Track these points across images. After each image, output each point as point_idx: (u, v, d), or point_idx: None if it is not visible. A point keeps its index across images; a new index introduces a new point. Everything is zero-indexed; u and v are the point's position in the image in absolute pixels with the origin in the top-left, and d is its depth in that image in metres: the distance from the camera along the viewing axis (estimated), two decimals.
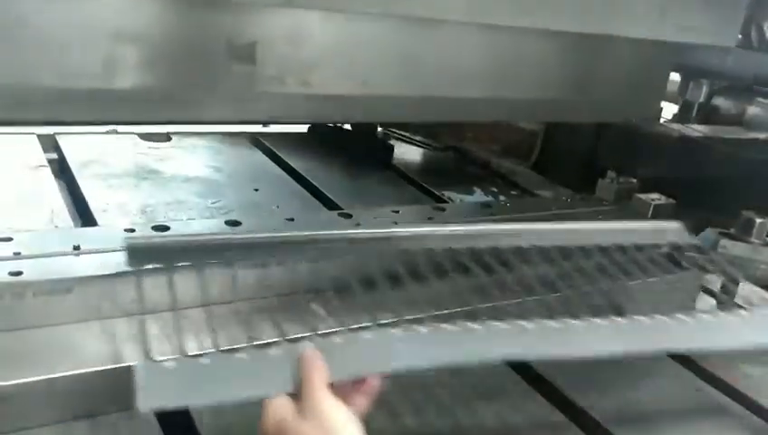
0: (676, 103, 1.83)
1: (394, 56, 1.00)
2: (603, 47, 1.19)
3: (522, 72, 1.11)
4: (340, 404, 0.62)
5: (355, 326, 0.87)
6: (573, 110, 1.24)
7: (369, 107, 1.02)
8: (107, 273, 0.81)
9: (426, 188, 1.52)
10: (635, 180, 1.37)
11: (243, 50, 0.87)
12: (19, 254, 0.82)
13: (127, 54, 0.82)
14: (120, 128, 1.55)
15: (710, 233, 1.21)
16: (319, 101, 0.97)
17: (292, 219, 1.04)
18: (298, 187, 1.39)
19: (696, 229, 1.24)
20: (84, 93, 0.81)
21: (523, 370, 0.95)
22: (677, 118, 1.79)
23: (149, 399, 0.60)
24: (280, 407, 0.63)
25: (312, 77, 0.95)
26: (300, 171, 1.47)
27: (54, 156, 1.38)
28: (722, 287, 1.27)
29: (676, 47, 1.24)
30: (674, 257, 1.23)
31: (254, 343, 0.72)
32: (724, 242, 1.19)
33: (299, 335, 0.74)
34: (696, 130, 1.54)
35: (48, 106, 0.80)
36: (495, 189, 1.57)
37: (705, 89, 1.69)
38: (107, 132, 1.53)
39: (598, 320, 0.80)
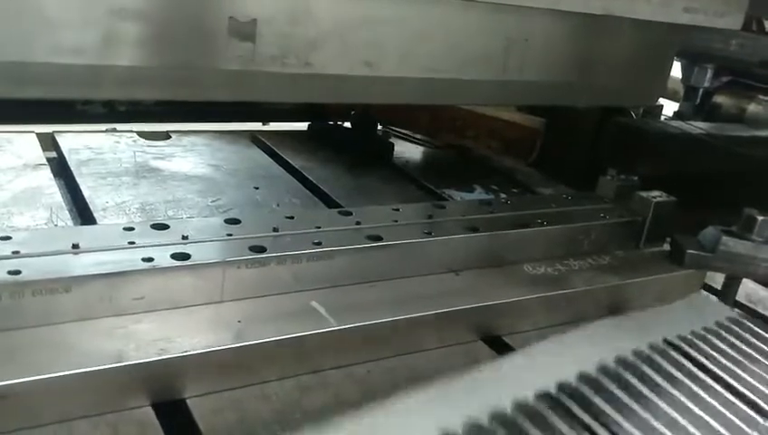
0: (676, 101, 1.83)
1: (397, 36, 0.99)
2: (607, 29, 1.17)
3: (525, 54, 1.10)
4: None
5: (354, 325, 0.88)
6: (575, 93, 1.22)
7: (371, 88, 1.01)
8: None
9: (426, 186, 1.52)
10: (636, 178, 1.37)
11: (243, 27, 0.87)
12: (18, 253, 0.81)
13: (125, 31, 0.81)
14: (120, 126, 1.55)
15: (711, 230, 1.21)
16: (320, 81, 0.95)
17: (292, 217, 1.04)
18: (298, 185, 1.39)
19: (697, 227, 1.24)
20: (82, 70, 0.80)
21: None
22: (681, 103, 1.78)
23: None
24: None
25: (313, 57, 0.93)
26: (300, 169, 1.47)
27: (53, 154, 1.37)
28: (724, 285, 1.27)
29: (680, 30, 1.22)
30: (675, 256, 1.23)
31: None
32: (725, 239, 1.18)
33: None
34: (698, 127, 1.54)
35: (46, 83, 0.79)
36: (496, 187, 1.57)
37: (709, 74, 1.68)
38: (106, 131, 1.53)
39: None
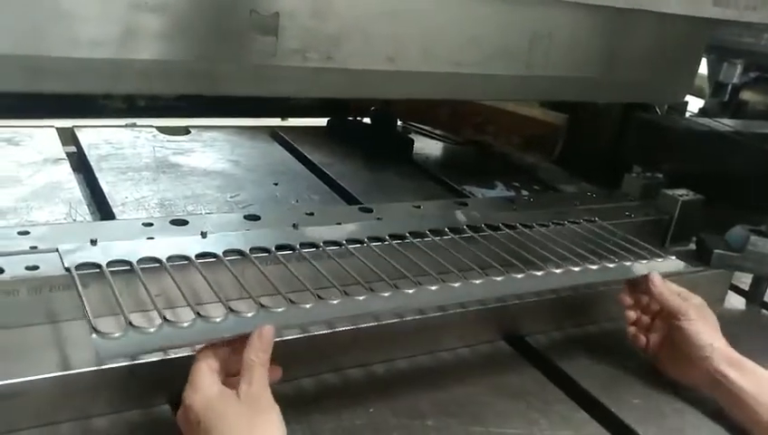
0: (701, 97, 1.80)
1: (420, 31, 0.98)
2: (634, 24, 1.15)
3: (549, 48, 1.08)
4: (269, 389, 0.64)
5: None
6: (600, 89, 1.20)
7: (393, 83, 1.00)
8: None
9: (446, 182, 1.50)
10: (661, 175, 1.34)
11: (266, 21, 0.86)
12: (36, 248, 0.81)
13: (145, 24, 0.80)
14: (139, 121, 1.55)
15: (739, 230, 1.18)
16: (341, 75, 0.94)
17: (312, 214, 1.03)
18: (318, 181, 1.38)
19: (725, 226, 1.22)
20: (103, 64, 0.80)
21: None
22: (707, 99, 1.75)
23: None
24: (210, 384, 0.64)
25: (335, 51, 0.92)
26: (319, 165, 1.46)
27: (73, 149, 1.37)
28: (751, 285, 1.25)
29: (709, 25, 1.20)
30: (702, 255, 1.20)
31: None
32: (754, 239, 1.15)
33: None
34: (724, 123, 1.50)
35: (66, 77, 0.78)
36: (518, 184, 1.55)
37: (738, 69, 1.65)
38: (126, 126, 1.52)
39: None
